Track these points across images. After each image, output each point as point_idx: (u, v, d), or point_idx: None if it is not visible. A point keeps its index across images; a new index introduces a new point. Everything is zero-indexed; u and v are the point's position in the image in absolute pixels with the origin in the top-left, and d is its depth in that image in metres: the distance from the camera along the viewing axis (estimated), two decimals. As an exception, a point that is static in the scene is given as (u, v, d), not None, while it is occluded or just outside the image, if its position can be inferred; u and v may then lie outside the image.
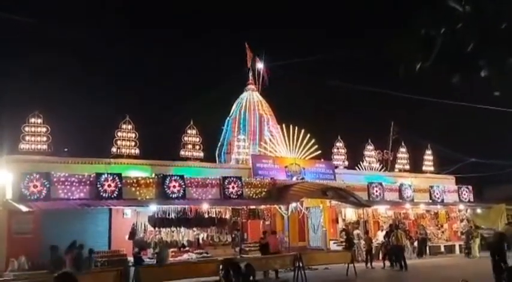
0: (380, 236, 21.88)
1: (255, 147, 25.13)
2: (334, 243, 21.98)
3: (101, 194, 16.89)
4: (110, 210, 17.29)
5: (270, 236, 18.28)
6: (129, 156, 19.18)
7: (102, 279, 13.13)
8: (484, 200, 29.43)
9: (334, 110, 44.39)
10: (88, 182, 17.00)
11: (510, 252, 13.27)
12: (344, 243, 20.35)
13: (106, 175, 17.18)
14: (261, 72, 28.88)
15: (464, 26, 3.60)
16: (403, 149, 28.32)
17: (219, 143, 27.30)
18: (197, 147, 21.21)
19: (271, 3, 56.80)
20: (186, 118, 21.91)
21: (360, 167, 26.70)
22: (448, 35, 3.67)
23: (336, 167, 25.16)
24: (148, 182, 18.23)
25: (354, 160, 26.83)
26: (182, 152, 20.94)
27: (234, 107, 28.02)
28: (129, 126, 19.50)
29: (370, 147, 27.33)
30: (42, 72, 40.22)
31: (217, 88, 34.68)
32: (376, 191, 24.11)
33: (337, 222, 23.32)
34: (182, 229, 18.68)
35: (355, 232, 22.37)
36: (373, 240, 21.09)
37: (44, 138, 17.80)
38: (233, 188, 19.66)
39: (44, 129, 17.86)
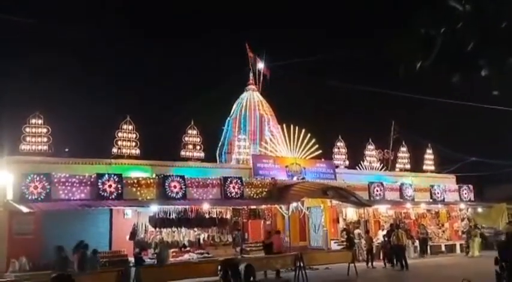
0: (381, 236, 21.86)
1: (256, 147, 25.12)
2: (335, 243, 21.98)
3: (102, 194, 16.89)
4: (111, 210, 17.31)
5: (274, 236, 18.33)
6: (129, 157, 19.18)
7: (103, 279, 13.13)
8: (484, 199, 29.43)
9: (335, 109, 44.39)
10: (89, 183, 17.00)
11: None
12: (345, 243, 20.34)
13: (107, 175, 17.18)
14: (261, 72, 28.87)
15: (464, 25, 3.59)
16: (403, 149, 28.31)
17: (220, 143, 27.30)
18: (198, 147, 21.21)
19: (271, 3, 56.79)
20: (187, 118, 21.95)
21: (360, 166, 26.69)
22: (448, 34, 3.66)
23: (337, 167, 25.15)
24: (149, 182, 18.23)
25: (355, 160, 26.85)
26: (183, 152, 20.94)
27: (234, 107, 28.02)
28: (130, 127, 19.50)
29: (370, 146, 27.32)
30: (42, 72, 40.23)
31: (217, 88, 34.64)
32: (377, 191, 24.11)
33: (338, 221, 23.31)
34: (183, 229, 18.68)
35: (356, 232, 22.36)
36: (374, 240, 21.08)
37: (45, 139, 17.80)
38: (234, 188, 19.66)
39: (45, 130, 17.86)
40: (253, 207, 20.29)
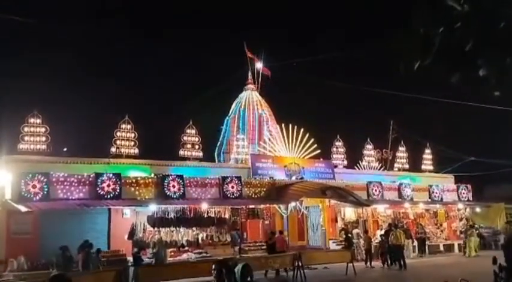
0: (379, 235, 21.87)
1: (254, 147, 25.12)
2: (333, 242, 21.99)
3: (100, 194, 16.88)
4: (109, 210, 17.29)
5: (278, 235, 18.39)
6: (128, 156, 19.16)
7: (101, 279, 13.14)
8: (483, 199, 29.45)
9: (334, 109, 44.44)
10: (87, 182, 16.99)
11: None
12: (343, 243, 20.35)
13: (105, 175, 17.17)
14: (260, 71, 28.86)
15: (463, 25, 3.60)
16: (402, 148, 28.33)
17: (218, 143, 27.30)
18: (196, 146, 21.20)
19: (271, 3, 56.76)
20: (185, 118, 21.94)
21: (359, 166, 26.71)
22: (447, 34, 3.66)
23: (335, 167, 25.17)
24: (147, 181, 18.22)
25: (353, 159, 26.89)
26: (181, 152, 20.93)
27: (233, 106, 28.01)
28: (129, 126, 19.49)
29: (369, 146, 27.35)
30: (41, 71, 40.15)
31: (216, 88, 34.64)
32: (376, 190, 24.12)
33: (337, 221, 23.33)
34: (181, 229, 18.66)
35: (355, 231, 22.38)
36: (373, 240, 21.09)
37: (43, 138, 17.79)
38: (232, 187, 19.65)
39: (43, 129, 17.85)
40: (251, 206, 20.30)
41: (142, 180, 18.16)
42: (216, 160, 26.26)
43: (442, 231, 26.63)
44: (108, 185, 17.06)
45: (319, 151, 24.71)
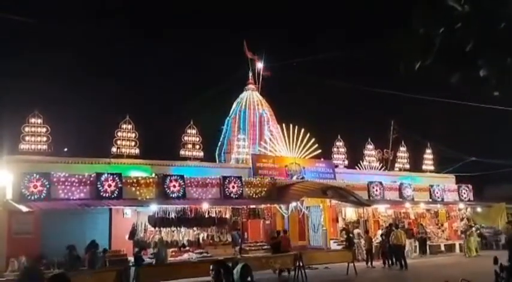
0: (379, 235, 21.88)
1: (255, 147, 25.13)
2: (334, 242, 21.98)
3: (101, 194, 16.89)
4: (110, 210, 17.30)
5: (283, 235, 18.45)
6: (129, 156, 19.17)
7: (102, 279, 13.15)
8: (484, 199, 29.42)
9: (334, 109, 44.43)
10: (88, 182, 17.00)
11: None
12: (344, 243, 20.35)
13: (106, 175, 17.18)
14: (261, 71, 28.88)
15: (463, 25, 3.60)
16: (403, 148, 28.32)
17: (219, 143, 27.30)
18: (197, 146, 21.21)
19: (271, 3, 56.78)
20: (186, 118, 21.95)
21: (360, 166, 26.70)
22: (447, 34, 3.67)
23: (336, 166, 25.16)
24: (148, 181, 18.23)
25: (354, 159, 26.88)
26: (182, 152, 20.93)
27: (234, 106, 28.02)
28: (129, 126, 19.50)
29: (370, 146, 27.34)
30: (42, 71, 40.20)
31: (216, 88, 34.66)
32: (376, 190, 24.12)
33: (338, 221, 23.32)
34: (182, 229, 18.68)
35: (356, 231, 22.39)
36: (374, 240, 21.09)
37: (44, 139, 17.80)
38: (233, 187, 19.66)
39: (44, 130, 17.86)
40: (252, 206, 20.30)
41: (143, 180, 18.16)
42: (217, 160, 26.28)
43: (443, 231, 26.63)
44: (109, 185, 17.07)
45: (319, 151, 24.74)
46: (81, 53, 46.65)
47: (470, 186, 28.22)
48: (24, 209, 15.10)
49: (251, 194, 20.23)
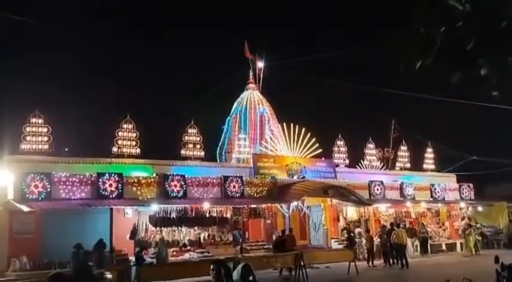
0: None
1: (256, 146, 25.13)
2: (335, 241, 21.98)
3: (102, 193, 16.90)
4: (111, 210, 17.24)
5: (288, 234, 18.50)
6: (130, 156, 19.18)
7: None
8: (485, 198, 29.41)
9: (335, 108, 44.42)
10: (89, 182, 17.02)
11: None
12: (345, 242, 20.35)
13: (107, 175, 17.19)
14: (261, 71, 28.88)
15: (464, 24, 3.60)
16: (404, 147, 28.31)
17: (220, 142, 27.32)
18: (198, 146, 21.22)
19: (271, 3, 56.76)
20: (186, 117, 21.96)
21: (361, 165, 26.70)
22: (448, 33, 3.67)
23: (337, 166, 25.15)
24: (149, 181, 18.24)
25: (355, 159, 26.88)
26: (183, 151, 20.94)
27: (234, 106, 28.03)
28: (130, 126, 19.51)
29: (371, 145, 27.33)
30: (42, 71, 40.22)
31: (216, 88, 34.66)
32: (377, 190, 24.11)
33: (338, 220, 23.30)
34: (183, 228, 18.71)
35: (357, 230, 22.38)
36: (374, 239, 21.09)
37: (45, 138, 17.82)
38: (234, 187, 19.67)
39: (45, 129, 17.88)
40: (253, 206, 20.30)
41: (144, 180, 18.18)
42: (218, 160, 26.29)
43: (444, 230, 26.62)
44: (110, 185, 17.09)
45: (320, 150, 24.73)
46: (81, 53, 46.70)
47: (471, 185, 28.22)
48: (25, 208, 15.11)
49: (252, 194, 20.23)
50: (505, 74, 3.61)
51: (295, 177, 22.43)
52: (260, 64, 28.81)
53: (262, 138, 25.61)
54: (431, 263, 20.57)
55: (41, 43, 45.31)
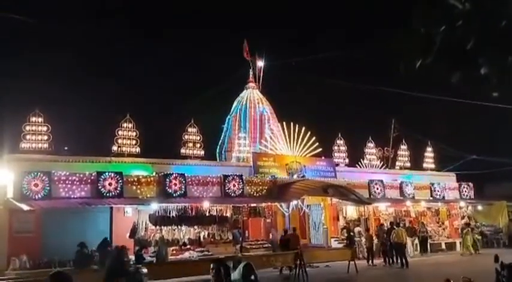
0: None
1: (256, 145, 25.13)
2: (335, 240, 22.00)
3: (102, 192, 16.91)
4: (111, 208, 17.30)
5: (292, 233, 18.56)
6: (130, 155, 19.18)
7: (103, 277, 13.14)
8: (484, 197, 29.43)
9: (335, 108, 44.42)
10: (89, 181, 17.03)
11: None
12: (345, 241, 20.36)
13: (107, 174, 17.19)
14: (261, 70, 28.88)
15: (464, 23, 3.60)
16: (403, 147, 28.32)
17: (220, 141, 27.32)
18: (198, 145, 21.22)
19: (271, 3, 56.73)
20: (186, 117, 21.95)
21: (360, 164, 26.71)
22: (448, 32, 3.67)
23: (337, 165, 25.15)
24: (149, 180, 18.25)
25: (355, 158, 26.88)
26: (183, 150, 20.93)
27: (234, 105, 28.03)
28: (130, 125, 19.50)
29: (370, 144, 27.33)
30: (42, 71, 40.20)
31: (216, 87, 34.67)
32: (377, 189, 24.12)
33: (338, 219, 23.32)
34: (183, 227, 18.72)
35: (356, 229, 22.40)
36: (374, 238, 21.10)
37: (45, 137, 17.81)
38: (234, 186, 19.68)
39: (45, 128, 17.87)
40: (253, 205, 20.32)
41: (144, 178, 18.18)
42: (218, 159, 26.29)
43: (443, 229, 26.63)
44: (110, 184, 17.09)
45: (320, 149, 24.72)
46: (81, 53, 46.68)
47: (471, 185, 28.24)
48: (25, 207, 15.11)
49: (252, 193, 20.24)
50: (505, 73, 3.61)
51: (295, 176, 22.44)
52: (260, 64, 28.80)
53: (262, 137, 25.62)
54: (431, 262, 20.58)
55: (41, 43, 45.33)
